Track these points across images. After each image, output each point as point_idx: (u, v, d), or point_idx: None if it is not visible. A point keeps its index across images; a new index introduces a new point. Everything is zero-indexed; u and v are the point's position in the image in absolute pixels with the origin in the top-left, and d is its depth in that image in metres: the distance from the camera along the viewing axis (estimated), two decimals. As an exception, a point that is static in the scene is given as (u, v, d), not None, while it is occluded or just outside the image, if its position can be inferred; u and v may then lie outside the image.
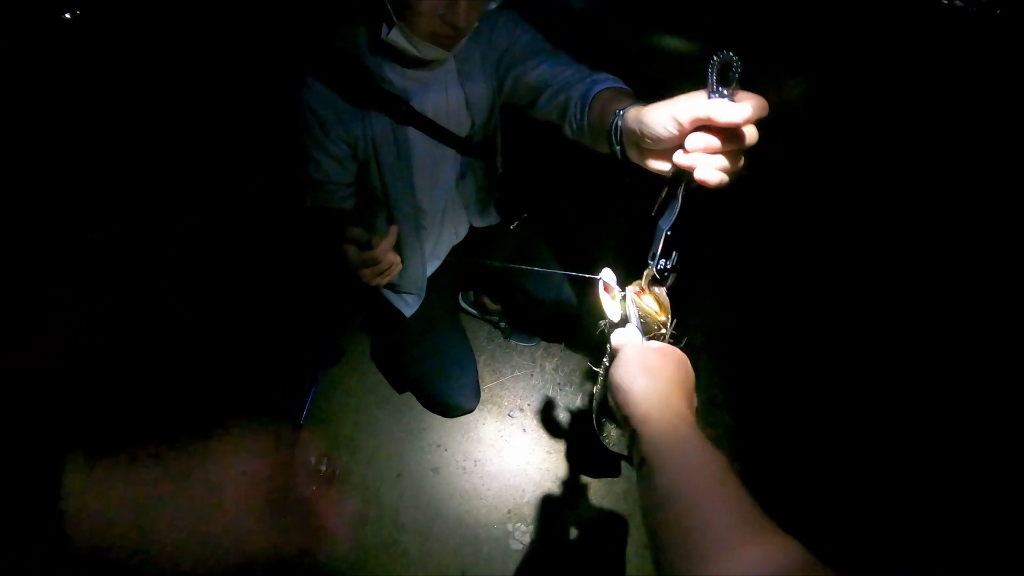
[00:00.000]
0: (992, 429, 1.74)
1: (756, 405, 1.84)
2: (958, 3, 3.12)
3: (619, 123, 0.69)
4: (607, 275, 0.69)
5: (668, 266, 0.61)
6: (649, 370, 0.57)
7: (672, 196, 0.58)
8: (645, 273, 0.62)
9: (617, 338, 0.64)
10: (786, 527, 0.43)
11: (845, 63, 2.99)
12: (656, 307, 0.63)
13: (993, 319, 2.01)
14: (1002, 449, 1.70)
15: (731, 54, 0.49)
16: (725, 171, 0.53)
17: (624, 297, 0.66)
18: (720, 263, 2.18)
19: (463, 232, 1.44)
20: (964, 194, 2.43)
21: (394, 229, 0.97)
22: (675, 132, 0.55)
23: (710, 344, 1.99)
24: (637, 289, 0.63)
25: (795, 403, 1.83)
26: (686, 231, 0.58)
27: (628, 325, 0.64)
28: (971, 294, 2.09)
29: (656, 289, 0.64)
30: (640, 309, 0.63)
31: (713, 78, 0.50)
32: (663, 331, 0.65)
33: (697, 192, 0.55)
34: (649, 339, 0.63)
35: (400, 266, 1.01)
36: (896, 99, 2.85)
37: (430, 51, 0.93)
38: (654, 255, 0.60)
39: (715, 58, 0.50)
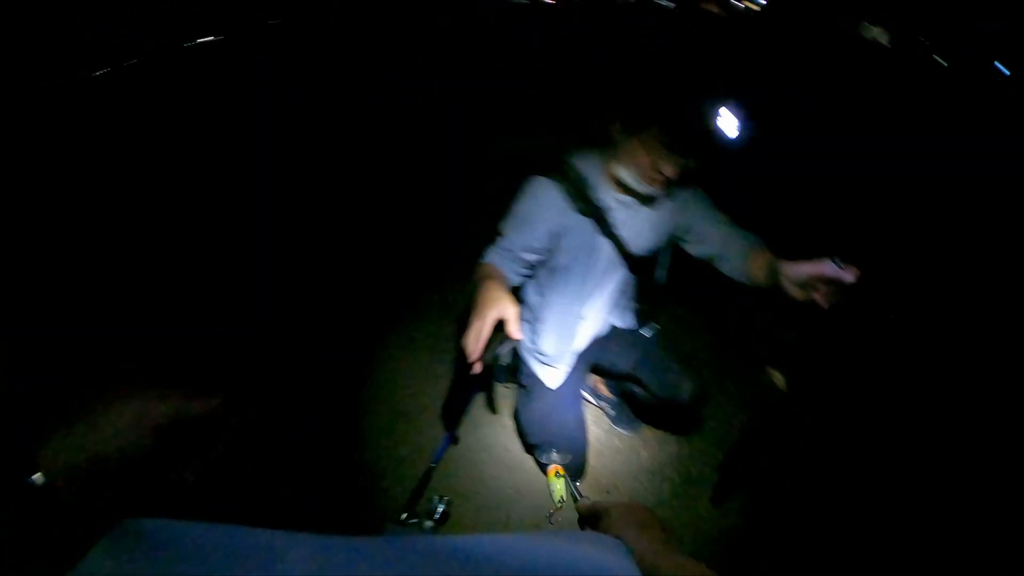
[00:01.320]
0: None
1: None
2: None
3: (778, 269, 1.18)
4: None
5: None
6: (642, 526, 0.60)
7: (798, 310, 1.05)
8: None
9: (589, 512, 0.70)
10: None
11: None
12: (782, 382, 1.05)
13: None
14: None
15: (839, 259, 0.98)
16: (831, 301, 1.01)
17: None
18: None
19: (605, 327, 1.79)
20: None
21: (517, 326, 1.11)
22: (809, 278, 1.05)
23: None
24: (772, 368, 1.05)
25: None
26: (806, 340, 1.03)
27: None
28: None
29: (778, 374, 1.06)
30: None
31: (835, 261, 0.99)
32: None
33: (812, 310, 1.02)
34: None
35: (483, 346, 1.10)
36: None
37: (644, 188, 1.38)
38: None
39: (834, 259, 1.00)
